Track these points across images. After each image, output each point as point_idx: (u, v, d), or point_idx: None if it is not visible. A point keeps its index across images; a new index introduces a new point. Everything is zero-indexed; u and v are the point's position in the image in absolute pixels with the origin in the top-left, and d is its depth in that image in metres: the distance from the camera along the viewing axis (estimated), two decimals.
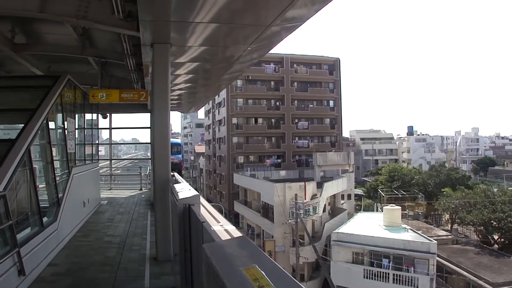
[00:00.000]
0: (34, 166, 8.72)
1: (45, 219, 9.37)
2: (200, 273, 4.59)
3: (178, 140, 44.12)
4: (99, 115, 19.23)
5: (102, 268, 9.04)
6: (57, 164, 11.19)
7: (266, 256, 2.65)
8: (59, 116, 11.88)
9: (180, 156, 33.86)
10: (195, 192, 6.16)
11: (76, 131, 14.15)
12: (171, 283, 7.93)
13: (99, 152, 21.88)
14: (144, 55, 10.94)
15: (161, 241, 9.57)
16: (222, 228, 11.13)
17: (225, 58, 12.49)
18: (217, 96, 62.51)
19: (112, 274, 8.61)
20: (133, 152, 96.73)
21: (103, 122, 20.90)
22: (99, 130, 21.29)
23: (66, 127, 12.32)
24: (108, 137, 24.12)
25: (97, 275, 8.56)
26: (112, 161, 25.87)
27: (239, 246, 3.00)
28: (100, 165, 19.88)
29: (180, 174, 25.75)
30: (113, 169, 26.00)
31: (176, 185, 7.85)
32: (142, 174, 24.51)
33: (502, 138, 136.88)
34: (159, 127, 9.71)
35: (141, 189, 23.48)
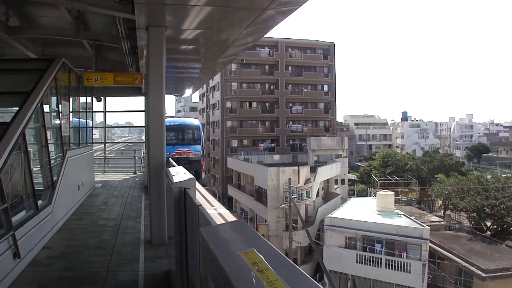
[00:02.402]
0: (29, 149, 8.70)
1: (39, 202, 9.36)
2: (196, 257, 4.61)
3: (195, 122, 28.66)
4: (94, 98, 19.17)
5: (96, 252, 9.08)
6: (51, 147, 11.15)
7: (264, 240, 2.66)
8: (54, 99, 11.84)
9: (199, 148, 24.67)
10: (191, 176, 6.16)
11: (71, 114, 14.11)
12: (166, 266, 7.96)
13: (93, 135, 21.83)
14: (139, 38, 10.84)
15: (155, 225, 9.61)
16: (216, 211, 11.18)
17: (220, 42, 12.41)
18: (211, 80, 62.33)
19: (107, 257, 8.65)
20: (127, 135, 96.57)
21: (97, 106, 20.80)
22: (93, 113, 21.19)
23: (60, 110, 12.29)
24: (102, 120, 24.06)
25: (92, 258, 8.60)
26: (106, 144, 25.68)
27: (237, 230, 3.01)
28: (94, 148, 19.83)
29: (198, 177, 20.45)
30: (107, 152, 25.85)
31: (170, 169, 7.85)
32: (136, 157, 24.47)
33: (496, 125, 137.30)
34: (154, 111, 9.69)
35: (135, 173, 23.46)
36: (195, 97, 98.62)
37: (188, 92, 29.01)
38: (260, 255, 2.28)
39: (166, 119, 20.54)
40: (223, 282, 2.18)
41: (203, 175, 26.03)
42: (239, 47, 13.39)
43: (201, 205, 4.39)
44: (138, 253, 8.99)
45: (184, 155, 23.33)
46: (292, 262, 2.23)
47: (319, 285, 2.02)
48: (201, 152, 24.50)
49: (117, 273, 7.75)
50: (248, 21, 9.77)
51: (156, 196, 9.52)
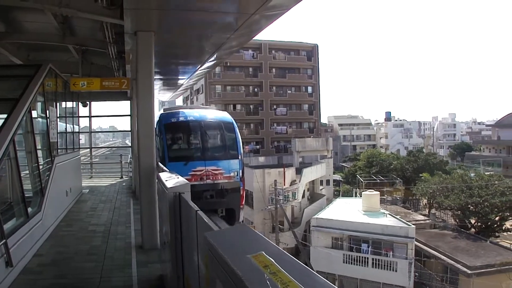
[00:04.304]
0: (18, 156, 8.64)
1: (29, 209, 9.29)
2: (193, 260, 4.64)
3: (225, 116, 16.41)
4: (80, 103, 19.07)
5: (88, 258, 9.05)
6: (40, 154, 11.08)
7: (271, 243, 2.70)
8: (42, 105, 11.77)
9: (236, 165, 14.72)
10: (185, 181, 6.16)
11: (58, 120, 14.02)
12: (159, 270, 7.96)
13: (80, 140, 21.65)
14: (126, 43, 10.85)
15: (146, 230, 9.61)
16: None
17: (207, 46, 12.45)
18: (195, 83, 62.20)
19: (99, 263, 8.62)
20: (111, 139, 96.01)
21: (82, 111, 20.71)
22: (79, 118, 21.04)
23: (48, 116, 12.20)
24: (87, 125, 23.91)
25: (84, 265, 8.57)
26: (92, 149, 25.47)
27: (241, 234, 3.05)
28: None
29: (233, 220, 14.40)
30: (93, 157, 25.64)
31: (161, 174, 7.84)
32: (123, 162, 24.31)
33: (479, 123, 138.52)
34: (143, 115, 9.70)
35: (121, 177, 23.34)
36: (179, 101, 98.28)
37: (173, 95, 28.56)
38: (270, 258, 2.32)
39: (169, 111, 16.45)
40: (236, 285, 2.21)
41: (241, 215, 15.13)
42: (225, 50, 13.44)
43: (199, 210, 4.41)
44: (130, 258, 8.97)
45: (209, 180, 13.99)
46: (302, 264, 2.27)
47: (333, 285, 2.06)
48: (240, 173, 14.70)
49: (110, 279, 7.73)
50: (236, 26, 9.84)
51: (147, 201, 9.52)
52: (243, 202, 15.39)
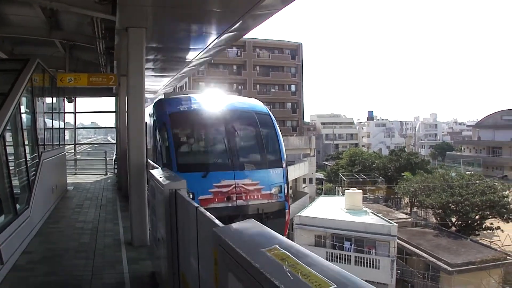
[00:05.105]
0: (7, 152, 8.55)
1: (18, 206, 9.19)
2: (190, 257, 4.65)
3: (259, 105, 12.12)
4: (65, 99, 18.89)
5: (78, 255, 8.97)
6: (28, 150, 10.96)
7: (282, 237, 2.70)
8: (29, 100, 11.62)
9: (279, 175, 10.81)
10: (181, 178, 6.10)
11: (45, 115, 13.87)
12: (150, 267, 7.94)
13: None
14: (117, 39, 10.78)
15: (136, 226, 9.55)
16: None
17: (197, 45, 12.42)
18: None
19: (89, 260, 8.55)
20: (92, 136, 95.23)
21: (67, 106, 20.52)
22: (64, 114, 20.81)
23: (35, 111, 12.06)
24: (72, 121, 23.74)
25: (74, 262, 8.48)
26: (76, 145, 25.22)
27: (251, 229, 3.05)
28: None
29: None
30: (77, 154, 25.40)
31: (153, 171, 7.77)
32: (107, 158, 24.13)
33: (460, 124, 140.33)
34: (134, 112, 9.63)
35: (106, 174, 23.19)
36: None
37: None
38: (285, 251, 2.33)
39: (172, 96, 14.39)
40: (254, 278, 2.20)
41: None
42: (213, 49, 13.41)
43: (199, 206, 4.40)
44: (120, 255, 8.92)
45: (241, 200, 10.20)
46: (319, 257, 2.28)
47: (355, 276, 2.07)
48: (285, 188, 10.88)
49: (102, 276, 7.68)
50: (227, 25, 9.83)
51: (136, 198, 9.47)
52: (287, 229, 11.34)
